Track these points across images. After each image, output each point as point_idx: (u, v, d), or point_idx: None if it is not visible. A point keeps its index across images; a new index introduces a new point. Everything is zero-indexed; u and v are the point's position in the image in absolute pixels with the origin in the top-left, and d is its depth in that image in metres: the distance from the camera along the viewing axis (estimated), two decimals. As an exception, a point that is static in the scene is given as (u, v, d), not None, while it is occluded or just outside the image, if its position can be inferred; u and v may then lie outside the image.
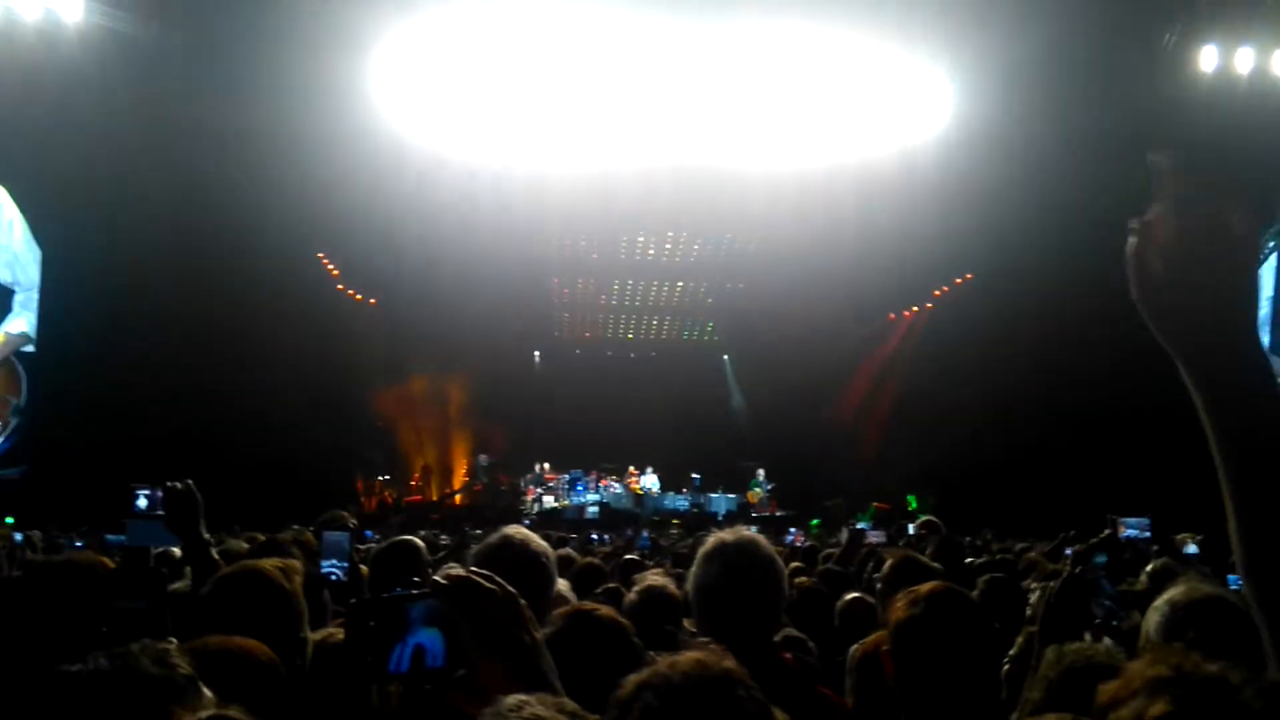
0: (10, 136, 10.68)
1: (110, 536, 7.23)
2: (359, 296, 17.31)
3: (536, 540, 2.31)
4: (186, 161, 11.24)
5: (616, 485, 18.50)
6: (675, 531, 13.61)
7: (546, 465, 19.03)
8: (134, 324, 10.63)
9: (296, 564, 2.33)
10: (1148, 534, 6.16)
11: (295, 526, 9.12)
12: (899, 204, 13.94)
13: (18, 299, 11.91)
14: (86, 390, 10.03)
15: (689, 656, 1.31)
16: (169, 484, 2.77)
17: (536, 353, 21.41)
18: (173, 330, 11.01)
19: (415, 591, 1.49)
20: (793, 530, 11.86)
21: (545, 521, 15.08)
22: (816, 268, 16.76)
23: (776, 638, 2.43)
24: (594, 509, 17.56)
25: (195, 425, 10.86)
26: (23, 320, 11.89)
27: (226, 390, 12.02)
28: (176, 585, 3.02)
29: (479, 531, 7.94)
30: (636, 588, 2.96)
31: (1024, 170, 13.46)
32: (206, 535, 2.82)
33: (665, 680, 1.24)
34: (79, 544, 7.70)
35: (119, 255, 10.59)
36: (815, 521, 15.59)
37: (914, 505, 16.58)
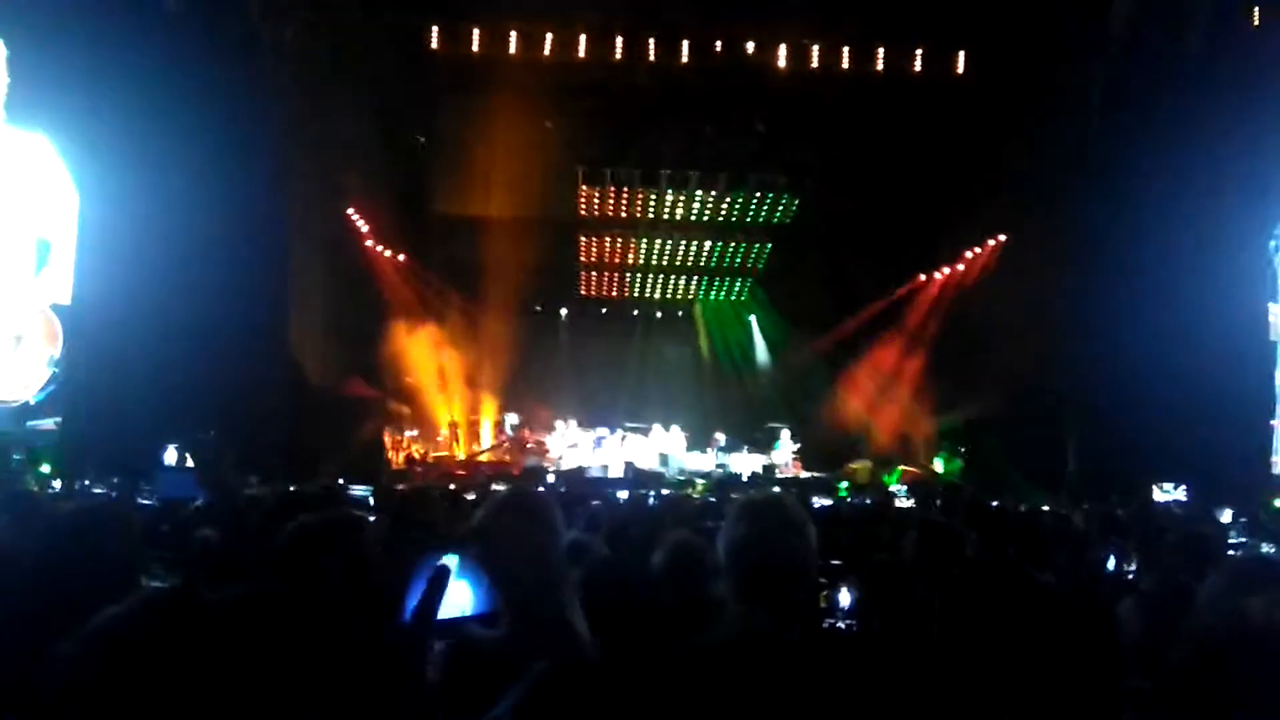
0: (53, 88, 10.74)
1: (143, 485, 7.36)
2: (388, 253, 17.33)
3: (543, 495, 2.36)
4: (224, 118, 11.27)
5: (642, 443, 18.54)
6: (696, 496, 13.60)
7: (572, 423, 19.11)
8: (167, 278, 10.69)
9: (362, 517, 2.36)
10: (1185, 499, 6.05)
11: (324, 482, 9.23)
12: (930, 163, 13.68)
13: (55, 252, 12.03)
14: (118, 341, 10.11)
15: (739, 615, 1.30)
16: (197, 436, 2.80)
17: (563, 310, 21.41)
18: (206, 286, 11.07)
19: (440, 541, 1.48)
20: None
21: (570, 480, 15.15)
22: (846, 226, 16.53)
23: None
24: (619, 469, 17.61)
25: (228, 380, 10.95)
26: (59, 273, 12.02)
27: (258, 345, 12.11)
28: (205, 532, 3.07)
29: (499, 489, 7.98)
30: (670, 539, 2.92)
31: (1060, 128, 13.12)
32: (233, 486, 2.85)
33: (720, 638, 1.23)
34: (111, 495, 7.83)
35: (154, 208, 10.63)
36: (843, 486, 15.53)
37: (944, 467, 16.52)
